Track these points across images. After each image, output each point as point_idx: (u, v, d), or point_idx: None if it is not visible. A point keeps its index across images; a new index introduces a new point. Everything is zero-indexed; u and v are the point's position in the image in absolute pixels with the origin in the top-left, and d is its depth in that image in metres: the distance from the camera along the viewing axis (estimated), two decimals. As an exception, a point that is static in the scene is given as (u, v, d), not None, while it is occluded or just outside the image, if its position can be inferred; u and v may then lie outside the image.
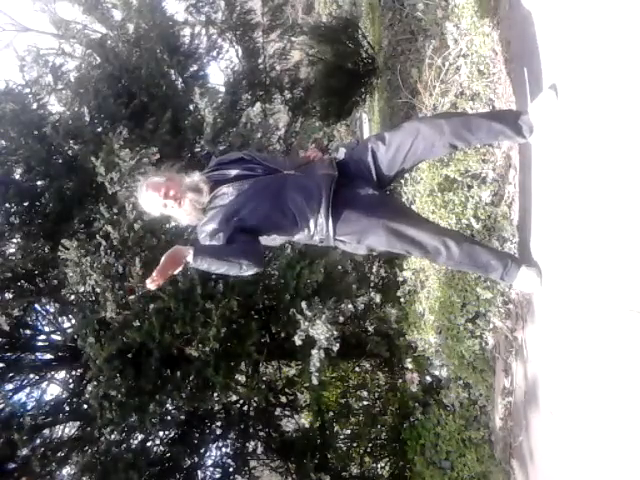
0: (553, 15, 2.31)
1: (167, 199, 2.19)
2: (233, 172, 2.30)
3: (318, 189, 2.19)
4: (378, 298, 4.32)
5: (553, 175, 2.31)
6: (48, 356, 4.64)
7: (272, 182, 2.26)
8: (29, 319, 4.56)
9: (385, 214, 2.23)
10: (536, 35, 2.45)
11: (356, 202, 2.23)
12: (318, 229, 2.22)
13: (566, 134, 2.16)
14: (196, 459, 4.53)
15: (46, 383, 4.59)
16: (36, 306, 4.54)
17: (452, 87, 3.32)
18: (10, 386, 4.33)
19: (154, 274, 1.97)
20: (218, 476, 4.72)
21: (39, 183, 4.20)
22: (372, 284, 4.62)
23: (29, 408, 4.20)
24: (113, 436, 3.91)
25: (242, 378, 4.55)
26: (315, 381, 3.73)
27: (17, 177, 4.22)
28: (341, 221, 2.22)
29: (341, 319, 3.76)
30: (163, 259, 2.02)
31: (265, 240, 2.30)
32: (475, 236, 3.07)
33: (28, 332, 4.58)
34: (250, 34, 6.13)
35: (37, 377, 4.50)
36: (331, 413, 5.40)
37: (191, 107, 4.63)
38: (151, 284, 1.98)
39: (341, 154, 2.34)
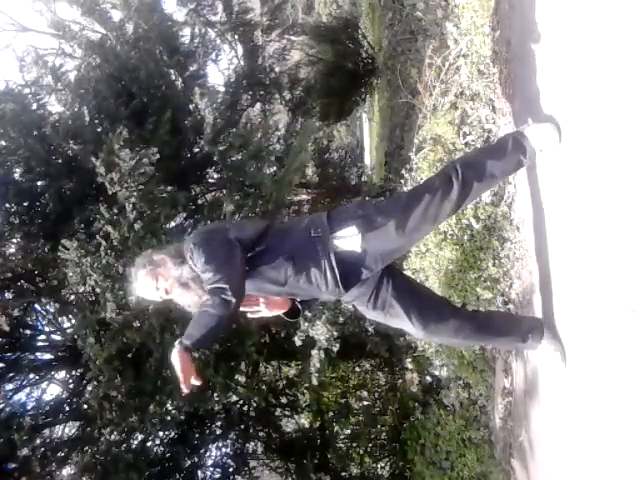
0: (553, 15, 2.31)
1: (158, 284, 2.05)
2: None
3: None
4: (378, 298, 4.31)
5: (553, 174, 2.31)
6: (48, 356, 4.63)
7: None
8: (29, 319, 4.56)
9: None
10: (536, 35, 2.45)
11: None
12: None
13: (566, 134, 2.16)
14: (196, 459, 4.53)
15: (46, 383, 4.59)
16: (36, 306, 4.53)
17: (452, 87, 3.32)
18: (10, 386, 4.33)
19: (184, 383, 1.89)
20: (218, 476, 4.72)
21: (39, 183, 4.19)
22: (372, 284, 4.61)
23: (29, 408, 4.21)
24: (113, 436, 3.90)
25: (242, 378, 4.55)
26: (315, 381, 3.74)
27: (17, 177, 4.21)
28: None
29: (341, 319, 3.76)
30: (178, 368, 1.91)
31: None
32: (475, 236, 3.08)
33: (28, 332, 4.58)
34: (250, 34, 6.13)
35: (37, 377, 4.49)
36: (331, 413, 5.41)
37: (191, 107, 4.62)
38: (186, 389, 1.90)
39: (356, 246, 2.09)
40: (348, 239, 2.07)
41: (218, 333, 2.05)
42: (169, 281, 2.04)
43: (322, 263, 2.04)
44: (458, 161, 2.36)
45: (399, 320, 2.19)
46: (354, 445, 5.35)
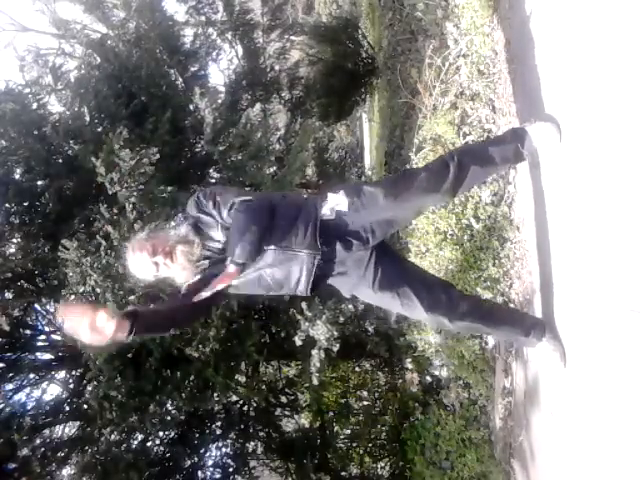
0: (553, 15, 2.31)
1: (156, 256, 1.99)
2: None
3: (298, 277, 2.08)
4: (378, 298, 4.30)
5: (554, 174, 2.31)
6: (48, 356, 4.63)
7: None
8: (29, 319, 4.55)
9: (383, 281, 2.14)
10: (536, 35, 2.46)
11: (344, 273, 2.14)
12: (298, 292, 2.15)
13: (567, 133, 2.16)
14: (196, 459, 4.53)
15: (46, 383, 4.58)
16: (36, 306, 4.53)
17: (452, 87, 3.32)
18: (10, 386, 4.32)
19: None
20: (218, 476, 4.72)
21: (39, 183, 4.19)
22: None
23: (29, 408, 4.20)
24: (113, 436, 3.90)
25: (242, 378, 4.55)
26: (315, 381, 3.73)
27: (17, 177, 4.21)
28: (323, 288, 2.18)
29: (341, 319, 3.75)
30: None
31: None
32: (475, 236, 3.08)
33: (28, 332, 4.57)
34: (250, 34, 6.13)
35: (37, 377, 4.49)
36: (331, 413, 5.41)
37: (191, 107, 4.62)
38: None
39: (344, 205, 2.07)
40: (335, 202, 2.06)
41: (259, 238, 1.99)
42: (169, 243, 2.01)
43: (305, 213, 2.05)
44: (455, 149, 2.41)
45: (408, 301, 2.13)
46: (354, 445, 5.35)
